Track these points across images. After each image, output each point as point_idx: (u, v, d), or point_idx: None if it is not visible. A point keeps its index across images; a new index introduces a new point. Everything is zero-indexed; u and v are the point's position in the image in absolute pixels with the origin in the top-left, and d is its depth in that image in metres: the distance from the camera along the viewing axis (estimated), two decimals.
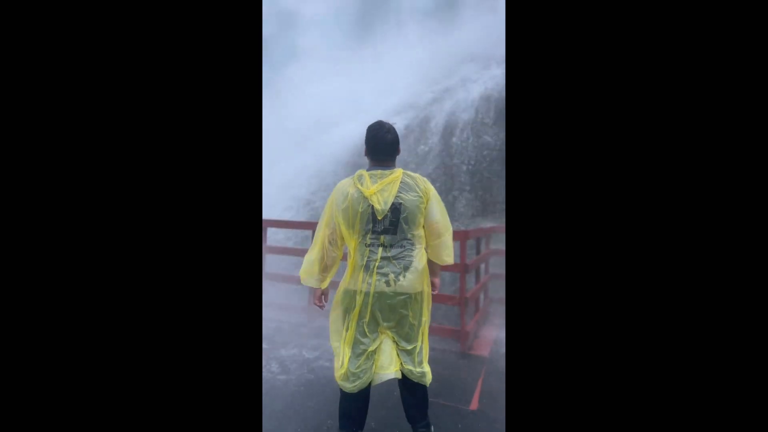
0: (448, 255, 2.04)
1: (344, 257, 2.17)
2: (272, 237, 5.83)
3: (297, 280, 4.59)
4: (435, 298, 3.89)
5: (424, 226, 2.00)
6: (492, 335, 4.34)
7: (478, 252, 4.65)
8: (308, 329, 4.26)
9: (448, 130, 8.85)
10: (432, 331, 3.76)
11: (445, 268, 3.80)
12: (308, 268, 2.05)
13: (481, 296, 5.15)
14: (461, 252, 3.81)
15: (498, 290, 5.74)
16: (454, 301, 3.87)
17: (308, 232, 6.65)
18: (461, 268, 3.80)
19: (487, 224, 6.58)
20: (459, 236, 3.78)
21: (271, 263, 4.87)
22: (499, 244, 5.95)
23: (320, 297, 2.12)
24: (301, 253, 4.81)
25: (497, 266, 6.17)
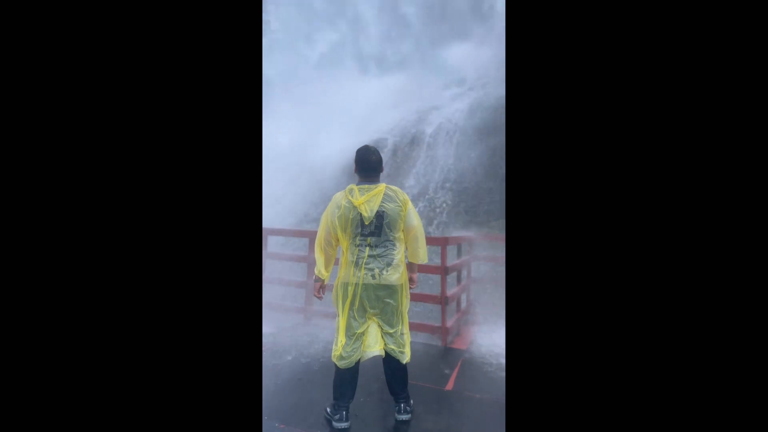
0: (423, 254, 2.52)
1: (337, 262, 2.64)
2: (272, 244, 6.26)
3: (295, 284, 5.01)
4: (419, 297, 4.34)
5: (403, 230, 2.48)
6: (471, 333, 4.79)
7: (459, 257, 5.12)
8: (305, 330, 4.68)
9: (432, 147, 9.41)
10: (416, 327, 4.20)
11: (429, 270, 4.26)
12: (320, 265, 2.54)
13: (463, 298, 5.61)
14: (442, 256, 4.27)
15: (479, 294, 6.21)
16: (436, 300, 4.33)
17: (305, 240, 7.08)
18: (442, 270, 4.26)
19: (468, 233, 7.06)
20: (440, 242, 4.25)
21: (271, 269, 5.28)
22: (481, 251, 6.43)
23: (319, 289, 2.58)
24: (297, 258, 5.25)
25: (481, 273, 6.64)
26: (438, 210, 7.85)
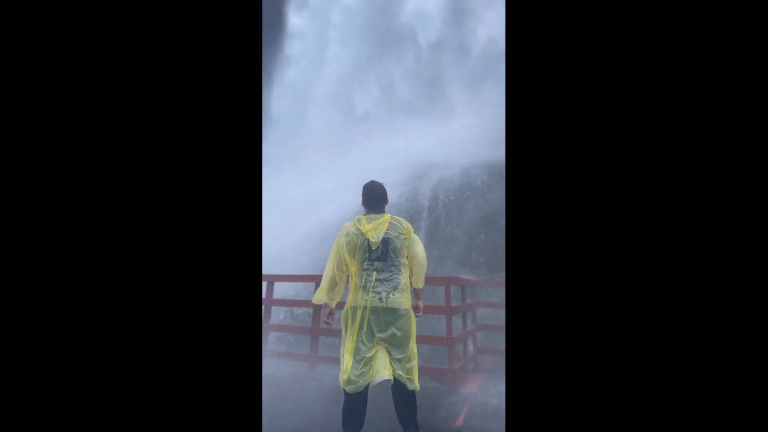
0: (422, 279, 2.66)
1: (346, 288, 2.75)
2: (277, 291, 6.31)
3: (300, 330, 4.99)
4: (425, 339, 4.34)
5: (407, 257, 2.63)
6: (479, 378, 4.70)
7: (463, 299, 5.16)
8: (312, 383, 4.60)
9: (434, 201, 9.77)
10: (422, 371, 4.15)
11: (432, 310, 4.31)
12: (320, 291, 2.66)
13: (470, 344, 5.55)
14: (446, 296, 4.34)
15: (486, 342, 6.13)
16: (443, 342, 4.32)
17: (311, 284, 7.11)
18: (446, 310, 4.31)
19: (470, 276, 7.12)
20: (443, 282, 4.35)
21: (276, 315, 5.30)
22: (484, 296, 6.45)
23: (328, 315, 2.67)
24: (303, 304, 5.28)
25: (487, 319, 6.60)
26: (439, 254, 7.97)
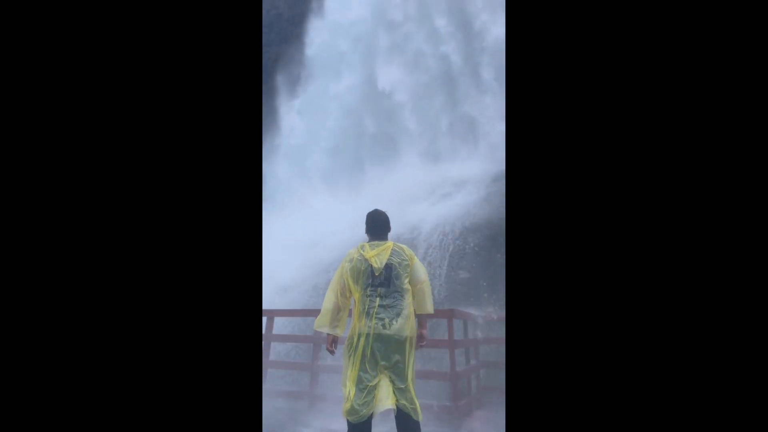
0: (429, 305, 2.66)
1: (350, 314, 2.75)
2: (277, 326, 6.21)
3: (300, 366, 4.88)
4: (427, 374, 4.24)
5: (410, 282, 2.66)
6: (484, 415, 4.54)
7: (465, 333, 5.09)
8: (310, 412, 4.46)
9: (435, 238, 9.83)
10: (425, 407, 4.03)
11: (435, 343, 4.25)
12: (322, 317, 2.64)
13: (474, 382, 5.40)
14: (449, 329, 4.30)
15: (491, 379, 5.96)
16: (445, 377, 4.22)
17: (311, 319, 6.99)
18: (449, 344, 4.24)
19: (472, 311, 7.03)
20: (446, 314, 4.32)
21: (276, 352, 5.20)
22: (488, 332, 6.35)
23: (332, 343, 2.66)
24: (303, 339, 5.20)
25: (490, 356, 6.46)
26: (443, 293, 7.91)
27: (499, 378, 6.01)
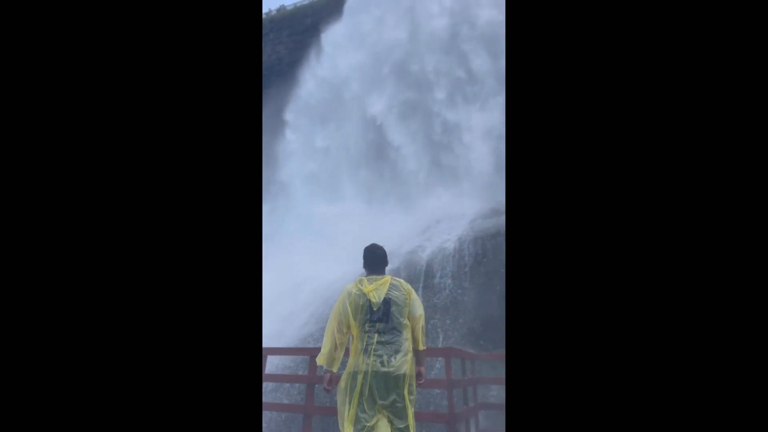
0: (422, 341, 2.65)
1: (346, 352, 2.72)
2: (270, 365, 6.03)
3: (295, 408, 4.71)
4: (424, 416, 4.11)
5: (408, 317, 2.65)
6: None
7: (462, 372, 4.98)
8: None
9: (429, 273, 9.81)
10: None
11: (432, 384, 4.15)
12: (324, 353, 2.62)
13: (472, 425, 5.22)
14: (446, 368, 4.21)
15: (491, 422, 5.77)
16: (443, 418, 4.09)
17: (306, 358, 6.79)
18: (447, 384, 4.15)
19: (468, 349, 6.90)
20: (443, 353, 4.25)
21: (271, 392, 5.04)
22: (484, 372, 6.20)
23: (329, 381, 2.60)
24: (298, 379, 5.05)
25: (489, 398, 6.27)
26: (439, 331, 7.78)
27: (499, 421, 5.82)
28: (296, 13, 21.00)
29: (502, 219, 10.57)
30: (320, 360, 2.66)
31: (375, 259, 2.79)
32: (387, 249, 2.92)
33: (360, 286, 2.67)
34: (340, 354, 2.66)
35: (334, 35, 17.39)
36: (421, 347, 2.66)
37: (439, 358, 6.16)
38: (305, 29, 19.56)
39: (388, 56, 15.88)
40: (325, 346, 2.64)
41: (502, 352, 6.82)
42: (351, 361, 2.56)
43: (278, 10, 22.21)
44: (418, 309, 2.68)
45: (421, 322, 2.67)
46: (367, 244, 2.91)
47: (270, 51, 20.17)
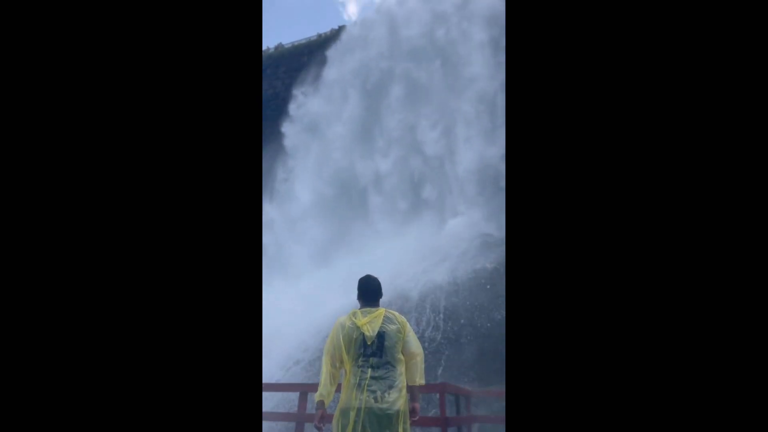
0: (420, 376, 2.59)
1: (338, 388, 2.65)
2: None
3: None
4: None
5: (402, 351, 2.61)
6: None
7: (457, 409, 4.84)
8: None
9: (421, 305, 9.71)
10: None
11: (425, 422, 4.03)
12: (321, 389, 2.55)
13: None
14: (441, 404, 4.10)
15: None
16: None
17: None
18: (442, 422, 4.02)
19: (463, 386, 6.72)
20: (437, 388, 4.15)
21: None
22: (479, 410, 6.02)
23: (320, 419, 2.52)
24: (287, 417, 4.86)
25: None
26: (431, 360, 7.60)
27: None
28: (293, 51, 21.74)
29: (495, 251, 10.62)
30: (319, 395, 2.56)
31: (370, 290, 2.77)
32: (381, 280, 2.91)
33: (354, 318, 2.63)
34: (333, 389, 2.58)
35: (326, 75, 18.06)
36: (418, 382, 2.59)
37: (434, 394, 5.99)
38: (301, 66, 20.22)
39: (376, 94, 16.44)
40: (323, 381, 2.57)
41: (497, 388, 6.65)
42: (343, 396, 2.49)
43: (276, 47, 22.99)
44: (414, 346, 2.64)
45: (418, 358, 2.62)
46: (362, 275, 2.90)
47: (267, 86, 20.73)
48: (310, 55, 20.90)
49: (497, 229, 12.42)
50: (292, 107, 18.66)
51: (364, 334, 2.56)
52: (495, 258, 10.29)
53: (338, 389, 2.70)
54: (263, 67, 20.70)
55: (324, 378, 2.58)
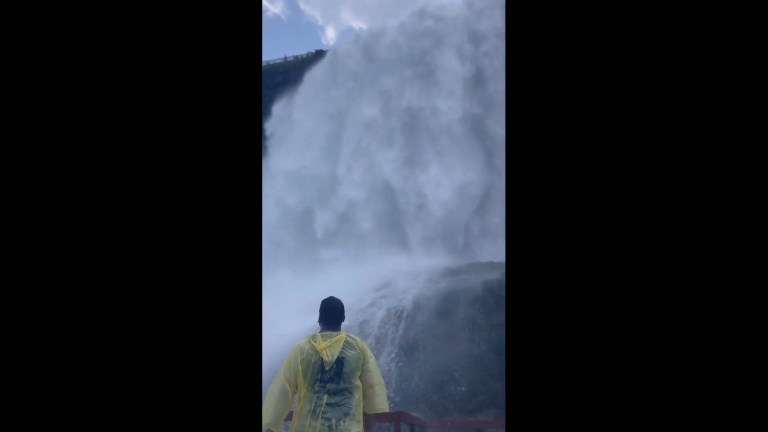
0: (379, 403, 2.54)
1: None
2: None
3: None
4: None
5: (360, 379, 2.55)
6: None
7: None
8: None
9: (382, 333, 9.63)
10: None
11: None
12: (268, 413, 2.45)
13: None
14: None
15: None
16: None
17: None
18: None
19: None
20: (393, 417, 4.06)
21: None
22: None
23: None
24: None
25: None
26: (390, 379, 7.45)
27: None
28: (269, 70, 21.78)
29: (458, 278, 10.77)
30: (266, 420, 2.45)
31: (332, 313, 2.71)
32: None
33: (313, 342, 2.57)
34: (285, 415, 2.47)
35: (299, 97, 18.21)
36: (382, 408, 2.54)
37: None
38: (276, 86, 20.25)
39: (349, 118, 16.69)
40: (270, 406, 2.45)
41: (454, 419, 6.60)
42: (295, 423, 2.39)
43: None
44: (374, 371, 2.60)
45: (377, 387, 2.57)
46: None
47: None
48: (285, 74, 21.00)
49: (459, 259, 12.66)
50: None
51: (322, 359, 2.49)
52: (458, 285, 10.41)
53: (289, 417, 2.60)
54: None
55: (272, 402, 2.46)
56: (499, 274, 9.92)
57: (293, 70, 20.75)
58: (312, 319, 2.75)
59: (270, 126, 18.35)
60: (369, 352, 2.67)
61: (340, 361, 2.51)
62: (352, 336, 2.69)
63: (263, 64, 22.61)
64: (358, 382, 2.53)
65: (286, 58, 23.12)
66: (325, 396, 2.41)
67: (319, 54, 21.17)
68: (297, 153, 17.03)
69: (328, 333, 2.63)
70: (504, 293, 9.50)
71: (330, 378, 2.46)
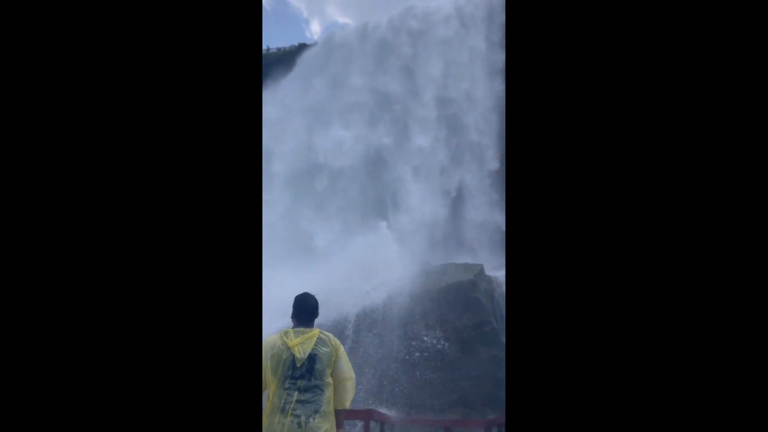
0: (350, 399, 2.54)
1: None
2: None
3: None
4: None
5: (332, 375, 2.55)
6: None
7: None
8: None
9: (357, 330, 9.62)
10: None
11: None
12: None
13: None
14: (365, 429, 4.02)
15: None
16: None
17: None
18: None
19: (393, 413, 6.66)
20: (363, 415, 4.08)
21: None
22: None
23: None
24: None
25: None
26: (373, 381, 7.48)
27: None
28: None
29: (432, 279, 10.86)
30: None
31: (306, 310, 2.69)
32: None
33: (285, 338, 2.54)
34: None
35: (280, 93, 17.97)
36: (347, 406, 2.54)
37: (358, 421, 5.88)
38: None
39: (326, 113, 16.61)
40: None
41: (425, 416, 6.66)
42: (264, 420, 2.36)
43: None
44: (346, 367, 2.60)
45: (348, 382, 2.57)
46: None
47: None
48: (266, 66, 20.62)
49: (434, 259, 12.78)
50: None
51: (294, 355, 2.47)
52: (432, 285, 10.51)
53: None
54: None
55: None
56: (471, 276, 10.08)
57: (275, 63, 20.42)
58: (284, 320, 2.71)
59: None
60: (342, 349, 2.66)
61: (312, 358, 2.49)
62: (325, 333, 2.67)
63: None
64: (329, 379, 2.52)
65: (268, 48, 22.70)
66: (296, 393, 2.40)
67: (302, 48, 20.89)
68: (272, 145, 16.82)
69: (301, 329, 2.61)
70: (476, 295, 9.70)
71: (301, 375, 2.45)
